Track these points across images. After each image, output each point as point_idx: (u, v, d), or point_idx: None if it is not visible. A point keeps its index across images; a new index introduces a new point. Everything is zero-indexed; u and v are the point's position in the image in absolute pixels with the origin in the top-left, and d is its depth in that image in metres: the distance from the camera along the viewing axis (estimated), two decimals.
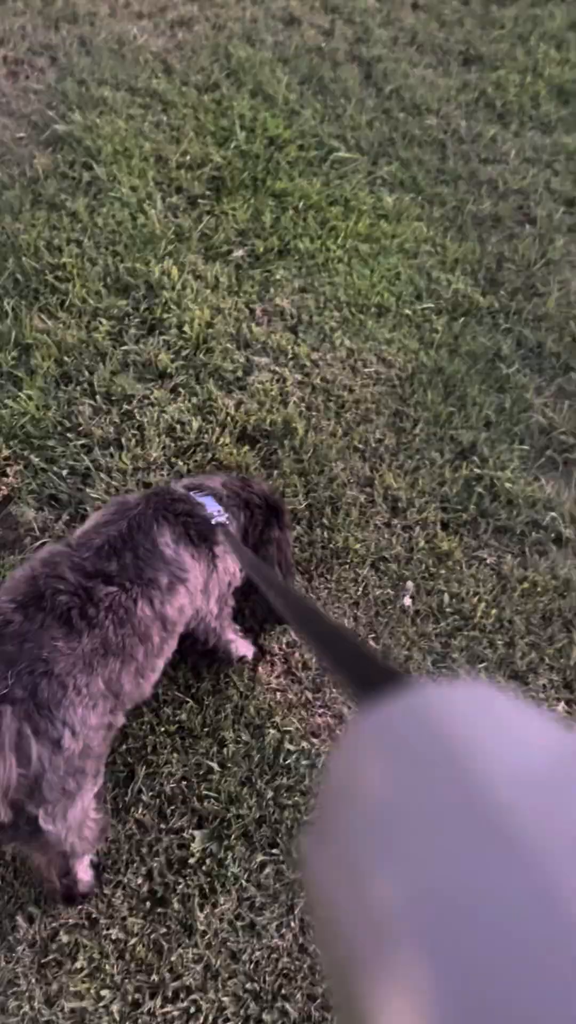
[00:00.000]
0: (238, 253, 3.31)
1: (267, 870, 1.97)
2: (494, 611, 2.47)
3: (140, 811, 2.01)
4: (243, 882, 1.95)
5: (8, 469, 2.58)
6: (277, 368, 2.96)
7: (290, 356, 3.01)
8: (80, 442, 2.67)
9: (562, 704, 2.35)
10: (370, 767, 0.36)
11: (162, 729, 2.12)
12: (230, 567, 1.96)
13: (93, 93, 3.80)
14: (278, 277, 3.25)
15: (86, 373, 2.84)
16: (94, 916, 1.87)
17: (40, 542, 2.44)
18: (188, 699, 2.18)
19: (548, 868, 0.27)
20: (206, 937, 1.87)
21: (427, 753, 0.34)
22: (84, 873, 1.82)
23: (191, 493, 1.95)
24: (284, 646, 2.34)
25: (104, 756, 1.70)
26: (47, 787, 1.49)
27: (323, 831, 0.36)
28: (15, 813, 1.45)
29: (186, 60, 4.07)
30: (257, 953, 1.87)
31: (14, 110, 3.77)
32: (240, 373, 2.93)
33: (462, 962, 0.27)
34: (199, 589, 1.85)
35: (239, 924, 1.90)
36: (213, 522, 1.87)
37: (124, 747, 2.09)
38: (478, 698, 0.37)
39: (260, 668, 2.28)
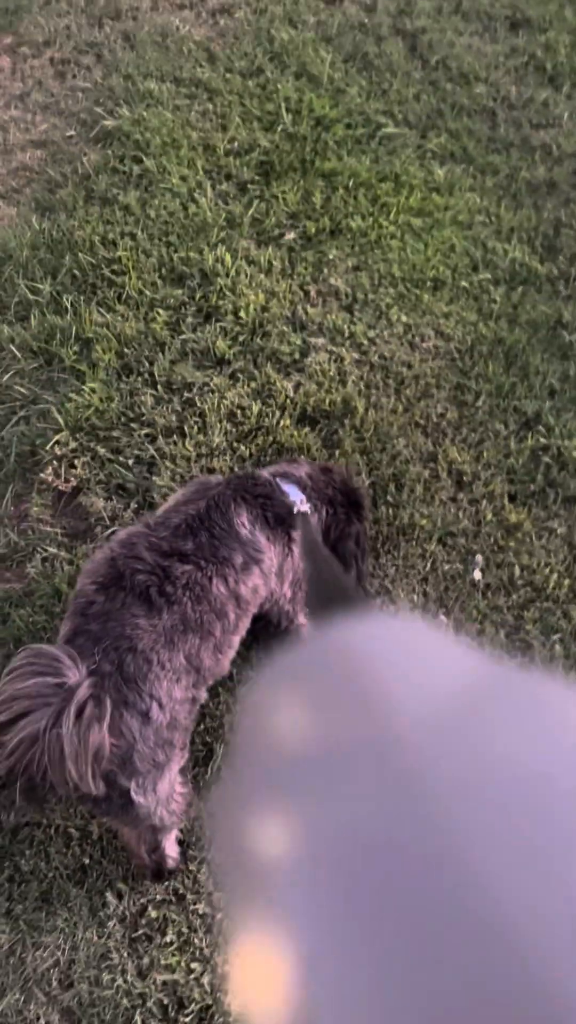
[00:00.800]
0: (290, 236, 3.30)
1: None
2: (567, 581, 2.43)
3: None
4: None
5: (76, 461, 2.63)
6: (334, 348, 2.96)
7: (347, 335, 3.00)
8: (144, 431, 2.70)
9: None
10: (280, 705, 0.36)
11: (238, 708, 2.15)
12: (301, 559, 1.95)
13: (139, 87, 3.83)
14: (331, 257, 3.23)
15: (146, 363, 2.87)
16: (180, 892, 1.91)
17: (110, 530, 2.48)
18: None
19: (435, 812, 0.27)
20: None
21: (338, 691, 0.34)
22: (171, 849, 1.86)
23: (276, 479, 1.96)
24: None
25: (190, 730, 1.74)
26: (138, 758, 1.52)
27: (234, 765, 0.37)
28: (108, 786, 1.48)
29: (229, 47, 4.07)
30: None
31: (63, 109, 3.82)
32: (297, 355, 2.93)
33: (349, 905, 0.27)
34: (273, 571, 1.87)
35: None
36: (295, 510, 1.87)
37: (202, 726, 2.12)
38: (400, 632, 0.37)
39: None
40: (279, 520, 1.86)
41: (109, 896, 1.89)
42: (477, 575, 2.44)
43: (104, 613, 1.56)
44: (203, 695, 1.75)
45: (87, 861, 1.94)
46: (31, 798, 1.42)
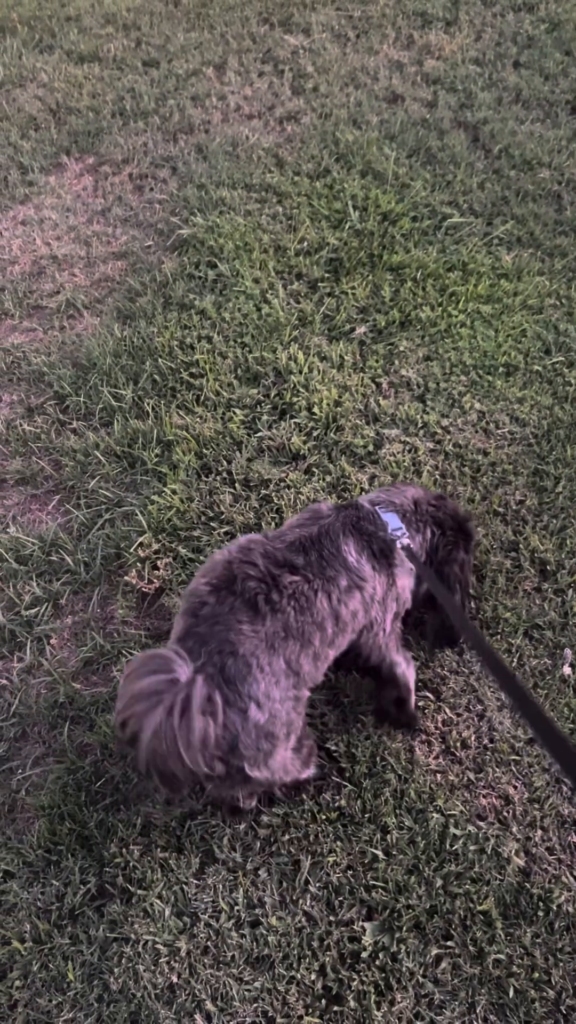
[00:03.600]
0: (360, 330, 3.37)
1: (443, 964, 1.90)
2: None
3: (308, 903, 1.99)
4: (419, 978, 1.88)
5: (159, 562, 2.69)
6: (407, 438, 2.97)
7: (420, 425, 3.01)
8: (223, 530, 2.75)
9: None
10: None
11: (323, 817, 2.11)
12: (406, 587, 2.04)
13: (212, 195, 4.03)
14: (402, 349, 3.28)
15: (224, 463, 2.94)
16: (270, 1015, 1.85)
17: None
18: (345, 783, 2.16)
19: None
20: None
21: None
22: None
23: (376, 508, 2.06)
24: (440, 724, 2.28)
25: (297, 720, 1.81)
26: (243, 746, 1.66)
27: None
28: (225, 766, 1.65)
29: (296, 151, 4.26)
30: None
31: (141, 221, 4.04)
32: (371, 447, 2.95)
33: None
34: (376, 600, 1.96)
35: (419, 1023, 1.83)
36: (397, 544, 1.98)
37: (287, 837, 2.09)
38: None
39: (417, 748, 2.23)
40: (383, 553, 1.97)
41: (198, 1018, 1.85)
42: (567, 671, 2.36)
43: (213, 616, 1.71)
44: (305, 694, 1.83)
45: (175, 979, 1.91)
46: (170, 785, 1.60)
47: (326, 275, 3.60)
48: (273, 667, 1.71)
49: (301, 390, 3.13)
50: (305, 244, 3.73)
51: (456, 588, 2.15)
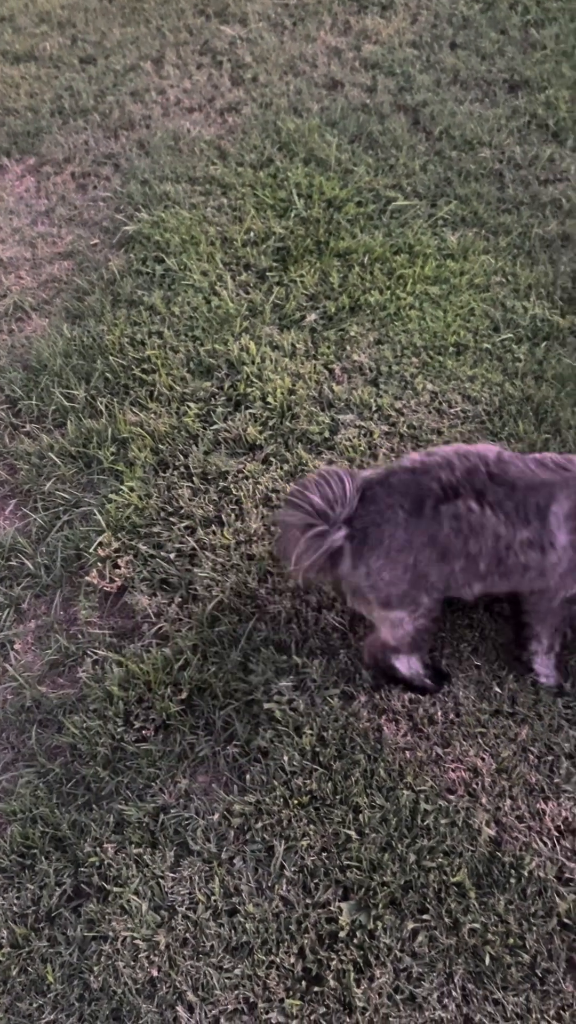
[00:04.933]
0: (311, 317, 3.38)
1: (420, 938, 1.92)
2: None
3: (284, 887, 2.01)
4: (397, 952, 1.90)
5: (119, 560, 2.68)
6: (362, 423, 2.99)
7: (374, 409, 3.03)
8: (183, 524, 2.75)
9: None
10: None
11: (295, 802, 2.12)
12: None
13: (156, 190, 4.00)
14: (352, 334, 3.29)
15: (181, 457, 2.94)
16: (252, 1000, 1.87)
17: (157, 627, 2.51)
18: (316, 766, 2.17)
19: None
20: (366, 1014, 1.83)
21: None
22: (403, 667, 2.24)
23: None
24: (407, 702, 2.30)
25: (407, 596, 2.07)
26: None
27: None
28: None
29: (238, 142, 4.24)
30: None
31: (86, 220, 4.01)
32: (327, 434, 2.96)
33: None
34: (558, 571, 2.02)
35: (399, 997, 1.85)
36: None
37: (260, 824, 2.10)
38: None
39: (385, 727, 2.25)
40: None
41: (180, 1010, 1.86)
42: None
43: (394, 486, 1.99)
44: (423, 599, 2.07)
45: (155, 973, 1.92)
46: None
47: (274, 264, 3.59)
48: (399, 559, 1.99)
49: (255, 380, 3.13)
50: (251, 234, 3.72)
51: None
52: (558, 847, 2.03)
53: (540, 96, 4.25)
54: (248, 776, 2.20)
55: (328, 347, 3.26)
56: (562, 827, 2.07)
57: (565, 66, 4.40)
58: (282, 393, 3.07)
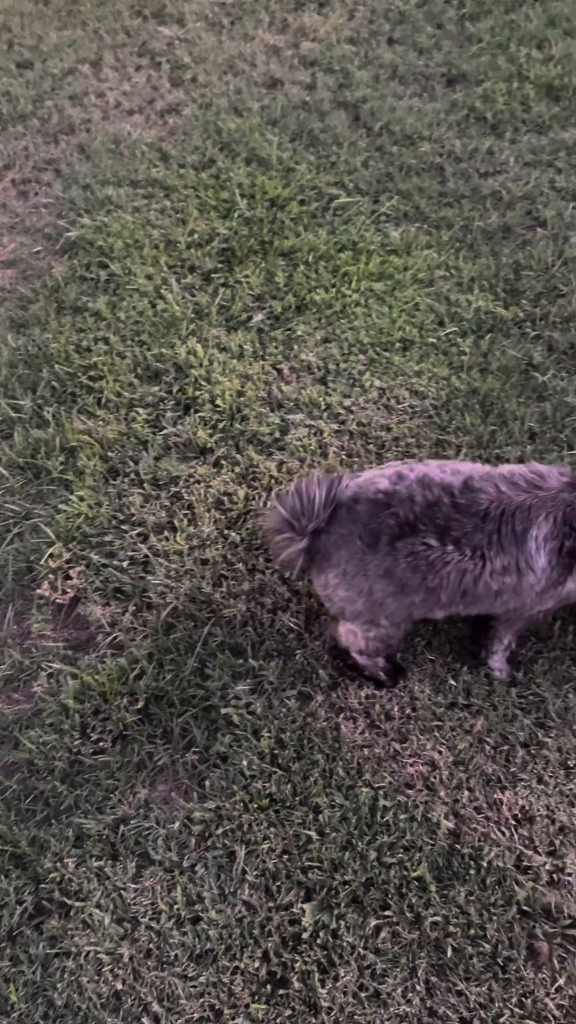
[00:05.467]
0: (258, 318, 3.37)
1: (383, 934, 1.93)
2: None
3: (246, 892, 2.01)
4: (360, 950, 1.91)
5: (71, 571, 2.66)
6: (312, 422, 2.99)
7: (323, 408, 3.03)
8: (135, 531, 2.73)
9: None
10: None
11: (255, 805, 2.12)
12: (575, 588, 2.08)
13: (98, 195, 3.97)
14: (299, 333, 3.29)
15: (131, 464, 2.92)
16: (217, 1007, 1.86)
17: (111, 637, 2.49)
18: (275, 769, 2.17)
19: None
20: (332, 1014, 1.83)
21: None
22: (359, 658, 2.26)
23: None
24: (363, 699, 2.31)
25: (362, 616, 2.11)
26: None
27: None
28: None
29: (180, 144, 4.22)
30: (387, 1023, 1.82)
31: (28, 227, 3.96)
32: (277, 434, 2.96)
33: None
34: (536, 590, 2.03)
35: (363, 995, 1.86)
36: None
37: (220, 830, 2.10)
38: None
39: (343, 726, 2.26)
40: (572, 554, 1.99)
41: (146, 1021, 1.85)
42: None
43: (357, 514, 1.99)
44: (382, 622, 2.10)
45: (120, 986, 1.90)
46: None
47: (219, 265, 3.58)
48: (350, 591, 2.04)
49: (203, 383, 3.12)
50: (195, 236, 3.70)
51: None
52: (516, 836, 2.06)
53: (477, 89, 4.28)
54: (207, 782, 2.19)
55: (276, 347, 3.26)
56: (519, 816, 2.09)
57: (501, 59, 4.43)
58: (231, 395, 3.06)
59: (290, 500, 2.04)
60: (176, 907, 2.00)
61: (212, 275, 3.54)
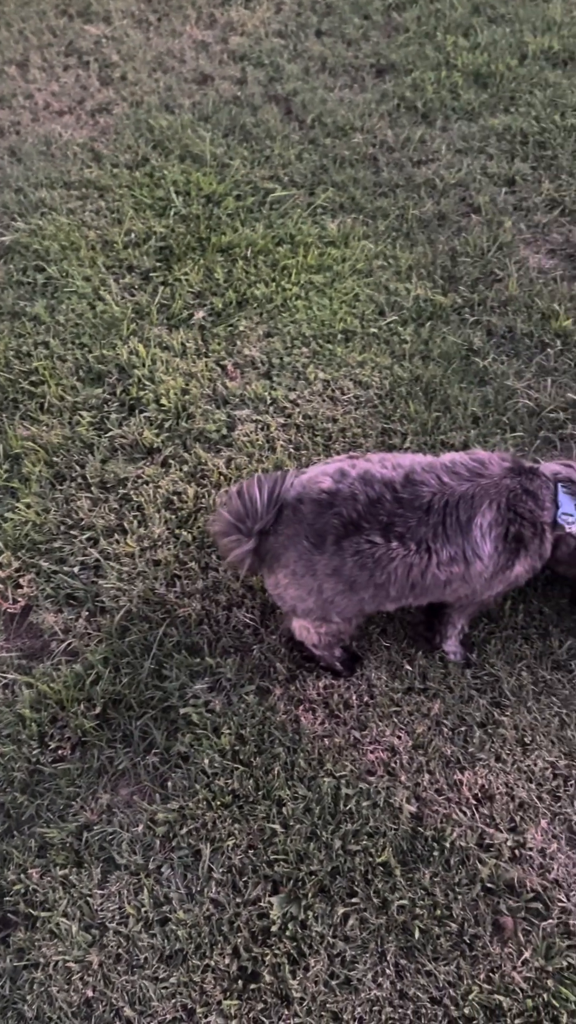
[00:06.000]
0: (199, 315, 3.36)
1: (351, 921, 1.94)
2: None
3: (214, 890, 2.01)
4: (329, 939, 1.92)
5: (21, 580, 2.62)
6: (258, 417, 2.99)
7: (269, 402, 3.03)
8: (85, 536, 2.71)
9: None
10: None
11: (218, 803, 2.12)
12: (522, 573, 2.11)
13: (31, 198, 3.91)
14: (242, 328, 3.28)
15: (77, 468, 2.89)
16: (189, 1007, 1.86)
17: (66, 643, 2.47)
18: (236, 765, 2.17)
19: None
20: (304, 1003, 1.84)
21: None
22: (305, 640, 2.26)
23: (559, 487, 2.07)
24: (322, 690, 2.32)
25: (313, 613, 2.11)
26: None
27: None
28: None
29: (112, 143, 4.18)
30: (359, 1009, 1.84)
31: None
32: (224, 431, 2.95)
33: None
34: (484, 576, 2.04)
35: (334, 983, 1.87)
36: (566, 530, 2.04)
37: (185, 829, 2.09)
38: None
39: (302, 717, 2.27)
40: (518, 538, 2.02)
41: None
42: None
43: (302, 514, 1.98)
44: (333, 618, 2.10)
45: (91, 993, 1.89)
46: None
47: (157, 264, 3.56)
48: (301, 587, 2.03)
49: (147, 383, 3.10)
50: (132, 236, 3.67)
51: None
52: (477, 815, 2.09)
53: (407, 79, 4.30)
54: (170, 783, 2.19)
55: (219, 344, 3.25)
56: (480, 795, 2.12)
57: (428, 48, 4.46)
58: (175, 394, 3.05)
59: (234, 502, 2.04)
60: (144, 910, 1.99)
61: (151, 274, 3.52)
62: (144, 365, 3.16)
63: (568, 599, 2.44)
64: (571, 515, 2.01)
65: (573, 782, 2.13)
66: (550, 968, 1.86)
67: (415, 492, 1.98)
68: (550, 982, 1.84)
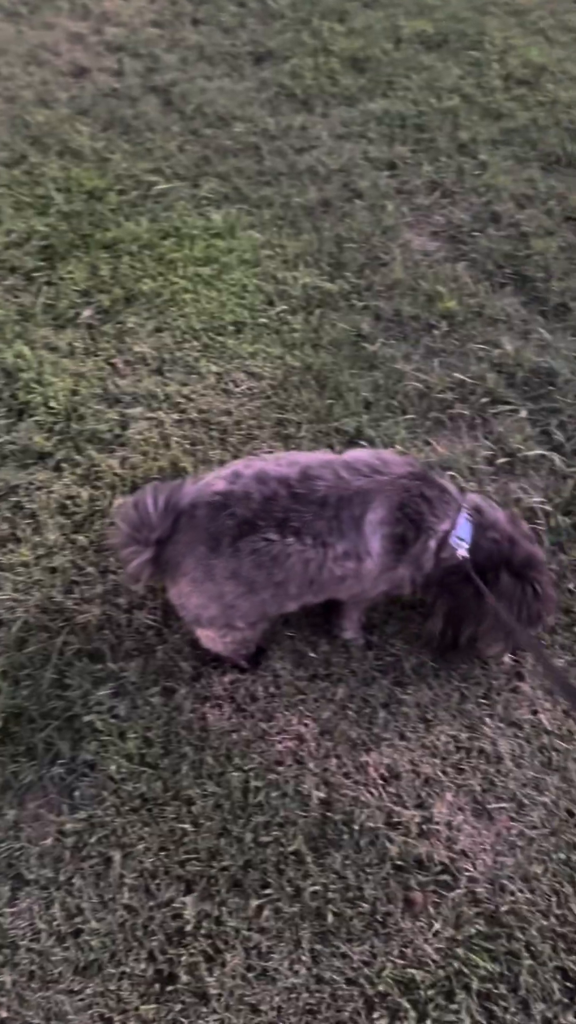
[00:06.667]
0: (86, 313, 3.29)
1: (266, 912, 1.95)
2: None
3: (126, 895, 1.98)
4: (245, 932, 1.92)
5: None
6: (152, 414, 2.95)
7: (162, 398, 3.00)
8: None
9: None
10: None
11: (127, 808, 2.10)
12: (405, 576, 2.09)
13: None
14: (131, 325, 3.24)
15: None
16: (107, 1016, 1.84)
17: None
18: (144, 768, 2.15)
19: None
20: (222, 999, 1.84)
21: None
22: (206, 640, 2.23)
23: (464, 510, 2.06)
24: (228, 685, 2.32)
25: (217, 620, 2.08)
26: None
27: None
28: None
29: None
30: (277, 999, 1.85)
31: None
32: (117, 430, 2.91)
33: None
34: (372, 575, 2.03)
35: (251, 975, 1.87)
36: (458, 554, 2.02)
37: (94, 838, 2.06)
38: None
39: (209, 714, 2.26)
40: (402, 540, 2.01)
41: None
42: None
43: (197, 519, 1.95)
44: (237, 624, 2.08)
45: (4, 1014, 1.84)
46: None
47: (41, 264, 3.47)
48: (200, 590, 2.00)
49: (35, 386, 3.03)
50: (13, 236, 3.58)
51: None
52: (384, 794, 2.12)
53: (285, 66, 4.30)
54: (77, 792, 2.15)
55: (108, 342, 3.19)
56: (386, 774, 2.15)
57: (305, 34, 4.47)
58: (65, 395, 2.98)
59: (129, 513, 2.00)
60: (56, 923, 1.96)
61: (34, 274, 3.43)
62: (31, 368, 3.08)
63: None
64: (464, 540, 2.02)
65: (475, 754, 2.19)
66: (460, 937, 1.90)
67: (310, 487, 1.97)
68: (460, 950, 1.89)
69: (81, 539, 2.62)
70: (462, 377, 2.98)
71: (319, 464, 2.02)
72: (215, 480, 2.02)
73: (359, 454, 2.09)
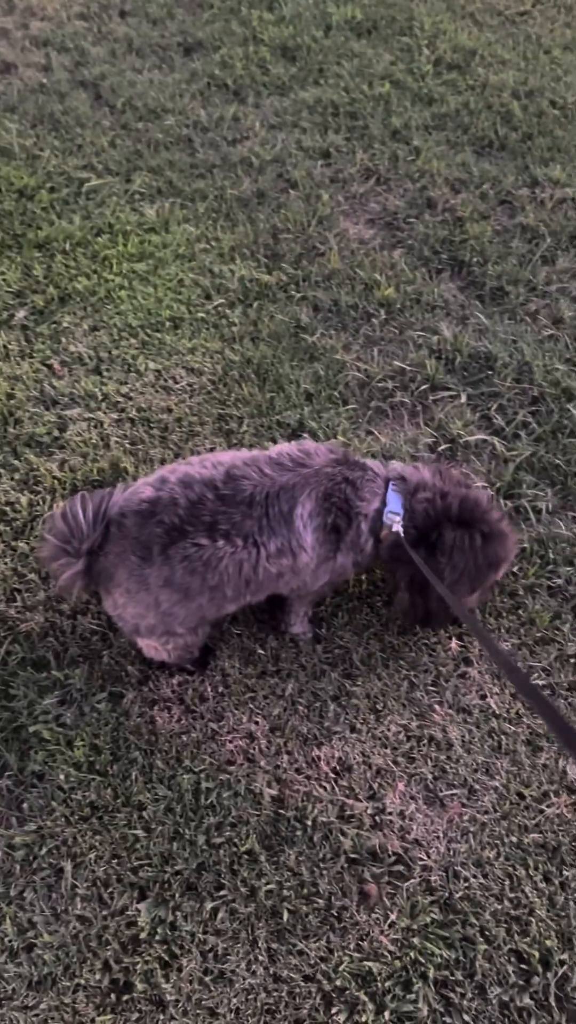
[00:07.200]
0: (20, 315, 3.23)
1: (221, 914, 1.93)
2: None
3: (79, 906, 1.95)
4: (200, 936, 1.90)
5: None
6: (91, 414, 2.90)
7: (100, 398, 2.95)
8: None
9: None
10: None
11: (76, 817, 2.06)
12: (347, 564, 2.08)
13: None
14: (66, 325, 3.18)
15: None
16: None
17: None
18: (93, 776, 2.12)
19: None
20: (179, 1005, 1.82)
21: None
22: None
23: (390, 484, 2.05)
24: (176, 686, 2.29)
25: (156, 629, 2.05)
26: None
27: None
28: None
29: None
30: (234, 1000, 1.83)
31: None
32: (56, 432, 2.86)
33: None
34: (310, 568, 2.02)
35: (208, 979, 1.86)
36: (393, 529, 2.01)
37: (44, 849, 2.02)
38: None
39: (158, 717, 2.23)
40: (335, 529, 2.00)
41: None
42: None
43: (126, 528, 1.92)
44: (177, 630, 2.05)
45: None
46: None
47: None
48: (135, 596, 1.95)
49: None
50: None
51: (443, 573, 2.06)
52: (336, 788, 2.11)
53: (215, 56, 4.25)
54: (26, 804, 2.11)
55: (43, 343, 3.13)
56: (338, 768, 2.14)
57: (234, 23, 4.42)
58: (0, 399, 2.92)
59: (58, 524, 1.96)
60: (7, 939, 1.92)
61: None
62: None
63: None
64: (397, 513, 2.02)
65: (425, 742, 2.19)
66: (415, 926, 1.90)
67: (236, 487, 1.94)
68: (416, 940, 1.89)
69: (22, 546, 2.57)
70: (402, 365, 2.98)
71: (243, 463, 1.99)
72: (143, 487, 1.99)
73: (283, 448, 2.07)
